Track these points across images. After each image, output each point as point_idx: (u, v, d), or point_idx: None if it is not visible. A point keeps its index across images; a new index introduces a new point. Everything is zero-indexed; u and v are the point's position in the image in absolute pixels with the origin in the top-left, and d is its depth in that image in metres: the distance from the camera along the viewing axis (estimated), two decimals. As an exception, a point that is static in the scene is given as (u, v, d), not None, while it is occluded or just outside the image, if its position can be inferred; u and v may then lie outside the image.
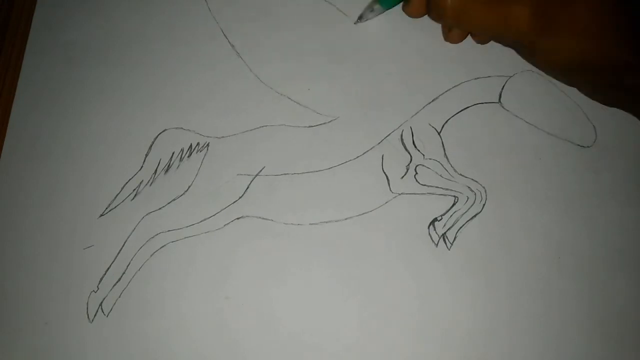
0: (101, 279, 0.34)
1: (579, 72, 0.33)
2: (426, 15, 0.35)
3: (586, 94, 0.36)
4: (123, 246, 0.35)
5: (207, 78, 0.39)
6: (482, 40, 0.37)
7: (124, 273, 0.34)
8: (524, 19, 0.31)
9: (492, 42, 0.37)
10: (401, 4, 0.37)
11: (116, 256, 0.35)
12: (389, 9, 0.38)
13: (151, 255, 0.35)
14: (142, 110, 0.38)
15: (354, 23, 0.39)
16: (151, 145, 0.37)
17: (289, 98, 0.38)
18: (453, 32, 0.37)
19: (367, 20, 0.39)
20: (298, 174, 0.37)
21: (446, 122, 0.37)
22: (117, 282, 0.34)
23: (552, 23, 0.31)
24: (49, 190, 0.36)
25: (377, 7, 0.37)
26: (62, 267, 0.35)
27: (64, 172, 0.37)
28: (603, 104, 0.36)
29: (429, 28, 0.38)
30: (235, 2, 0.41)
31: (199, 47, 0.40)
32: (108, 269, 0.34)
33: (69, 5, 0.41)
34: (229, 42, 0.40)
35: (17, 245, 0.35)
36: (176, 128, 0.38)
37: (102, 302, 0.34)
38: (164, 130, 0.38)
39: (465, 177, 0.36)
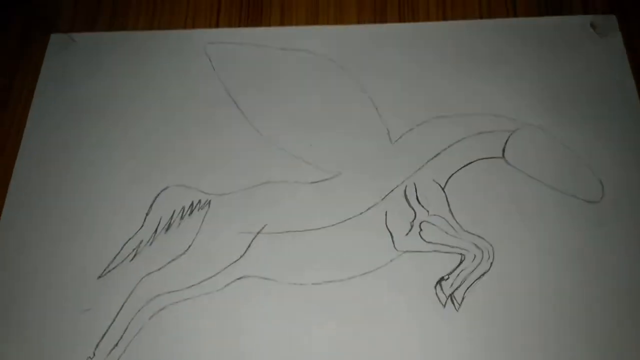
0: (97, 345, 0.33)
1: None
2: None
3: None
4: (121, 309, 0.34)
5: (210, 135, 0.39)
6: None
7: (121, 338, 0.33)
8: None
9: (493, 96, 0.37)
10: None
11: (114, 319, 0.34)
12: None
13: (149, 318, 0.34)
14: (144, 168, 0.38)
15: None
16: (152, 204, 0.37)
17: (291, 154, 0.38)
18: None
19: None
20: (300, 231, 0.36)
21: (450, 177, 0.37)
22: (114, 348, 0.33)
23: None
24: (48, 250, 0.36)
25: None
26: (58, 331, 0.34)
27: (64, 231, 0.36)
28: None
29: (433, 84, 0.39)
30: (238, 61, 0.41)
31: (201, 104, 0.40)
32: (105, 333, 0.33)
33: (73, 64, 0.42)
34: (232, 100, 0.40)
35: (12, 308, 0.34)
36: (177, 185, 0.37)
37: (97, 369, 0.33)
38: (165, 188, 0.37)
39: (472, 234, 0.35)
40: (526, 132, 0.38)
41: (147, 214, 0.37)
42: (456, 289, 0.34)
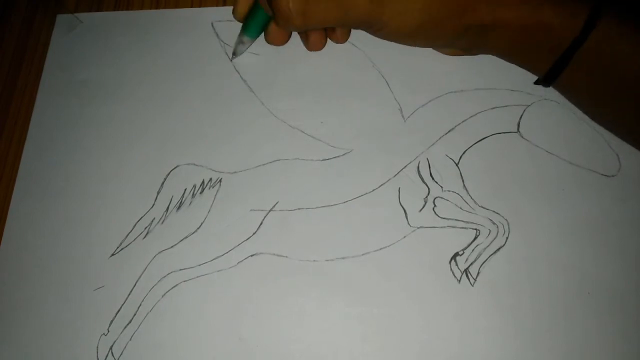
0: (112, 321, 0.33)
1: (428, 29, 0.33)
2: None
3: (448, 46, 0.36)
4: (134, 286, 0.34)
5: (220, 113, 0.39)
6: (340, 37, 0.37)
7: (135, 315, 0.33)
8: None
9: (510, 69, 0.36)
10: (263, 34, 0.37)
11: (127, 297, 0.34)
12: (257, 37, 0.38)
13: (163, 296, 0.34)
14: (154, 147, 0.38)
15: (231, 60, 0.40)
16: (163, 182, 0.37)
17: (302, 131, 0.38)
18: (312, 37, 0.37)
19: (241, 53, 0.39)
20: (313, 208, 0.36)
21: (464, 152, 0.36)
22: (127, 325, 0.33)
23: None
24: (60, 230, 0.36)
25: (245, 39, 0.38)
26: (71, 309, 0.34)
27: (75, 211, 0.36)
28: (468, 54, 0.36)
29: (445, 59, 0.38)
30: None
31: (210, 82, 0.40)
32: (119, 310, 0.33)
33: (81, 44, 0.42)
34: (241, 77, 0.40)
35: (25, 287, 0.34)
36: (188, 164, 0.37)
37: (112, 346, 0.33)
38: (176, 167, 0.37)
39: (487, 209, 0.35)
40: (541, 106, 0.37)
41: (158, 193, 0.36)
42: (471, 264, 0.34)
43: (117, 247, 0.35)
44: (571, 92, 0.35)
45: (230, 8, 0.37)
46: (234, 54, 0.39)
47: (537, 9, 0.30)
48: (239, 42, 0.38)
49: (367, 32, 0.35)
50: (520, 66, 0.35)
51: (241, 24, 0.37)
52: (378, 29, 0.33)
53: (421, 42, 0.35)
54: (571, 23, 0.30)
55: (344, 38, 0.38)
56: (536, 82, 0.35)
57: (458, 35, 0.33)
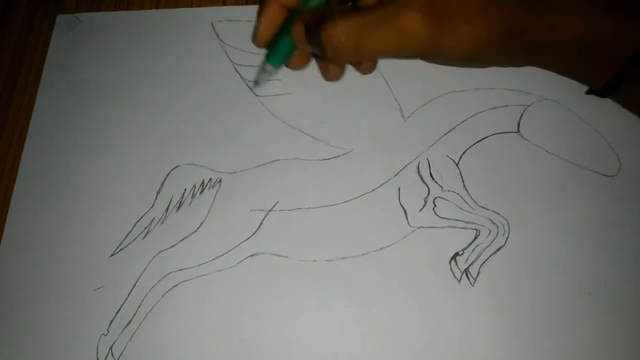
0: (111, 322, 0.33)
1: (489, 52, 0.32)
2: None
3: (503, 65, 0.35)
4: (134, 287, 0.34)
5: (220, 113, 0.39)
6: (369, 69, 0.36)
7: (134, 315, 0.33)
8: (418, 24, 0.29)
9: (507, 70, 0.36)
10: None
11: (127, 297, 0.34)
12: (280, 65, 0.35)
13: (162, 296, 0.34)
14: (154, 147, 0.38)
15: (252, 90, 0.38)
16: (163, 182, 0.37)
17: (302, 131, 0.38)
18: (334, 68, 0.35)
19: (264, 82, 0.36)
20: (313, 208, 0.36)
21: (464, 153, 0.36)
22: (127, 325, 0.33)
23: (444, 16, 0.29)
24: (60, 230, 0.36)
25: (269, 67, 0.35)
26: (71, 309, 0.34)
27: (75, 211, 0.36)
28: (518, 66, 0.35)
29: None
30: (248, 39, 0.41)
31: (211, 83, 0.40)
32: (118, 310, 0.33)
33: (81, 44, 0.42)
34: (242, 77, 0.40)
35: (25, 287, 0.34)
36: (188, 164, 0.37)
37: (112, 346, 0.33)
38: (176, 167, 0.37)
39: (487, 209, 0.35)
40: (541, 106, 0.37)
41: (158, 193, 0.36)
42: (471, 264, 0.33)
43: (117, 247, 0.35)
44: (630, 103, 0.34)
45: (231, 8, 0.37)
46: (256, 83, 0.37)
47: (598, 25, 0.30)
48: (262, 70, 0.35)
49: (422, 59, 0.33)
50: (573, 79, 0.35)
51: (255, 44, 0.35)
52: (435, 57, 0.32)
53: (478, 64, 0.34)
54: (633, 36, 0.29)
55: (372, 69, 0.37)
56: (587, 93, 0.34)
57: (517, 55, 0.32)
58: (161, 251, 0.35)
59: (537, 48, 0.32)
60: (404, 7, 0.29)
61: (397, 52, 0.31)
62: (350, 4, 0.32)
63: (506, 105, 0.37)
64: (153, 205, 0.36)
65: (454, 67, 0.38)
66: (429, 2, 0.29)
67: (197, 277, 0.34)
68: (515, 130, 0.37)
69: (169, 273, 0.34)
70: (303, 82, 0.39)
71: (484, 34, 0.30)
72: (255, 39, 0.34)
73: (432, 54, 0.31)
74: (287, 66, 0.35)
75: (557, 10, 0.31)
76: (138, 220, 0.36)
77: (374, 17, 0.29)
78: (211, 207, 0.36)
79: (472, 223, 0.34)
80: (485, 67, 0.35)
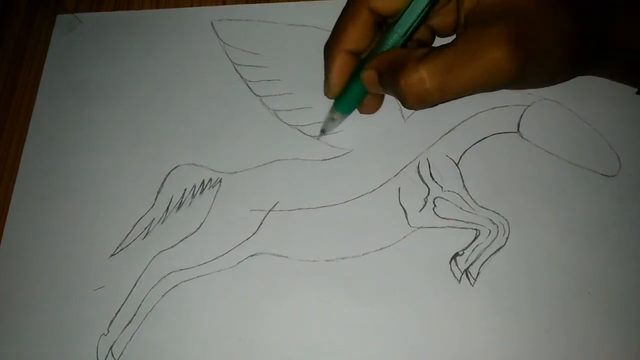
0: (111, 322, 0.33)
1: (569, 72, 0.32)
2: None
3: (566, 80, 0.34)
4: (134, 287, 0.34)
5: (220, 113, 0.39)
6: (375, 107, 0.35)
7: (135, 315, 0.33)
8: (509, 57, 0.27)
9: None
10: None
11: (127, 297, 0.34)
12: (350, 113, 0.35)
13: (162, 296, 0.34)
14: (154, 147, 0.38)
15: (317, 138, 0.37)
16: (163, 183, 0.37)
17: (302, 131, 0.38)
18: (372, 102, 0.34)
19: (331, 132, 0.36)
20: (313, 208, 0.36)
21: (464, 153, 0.36)
22: (127, 325, 0.33)
23: (533, 43, 0.28)
24: (60, 230, 0.36)
25: (337, 115, 0.35)
26: (71, 309, 0.34)
27: (75, 211, 0.36)
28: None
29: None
30: (248, 38, 0.41)
31: (210, 82, 0.40)
32: (118, 311, 0.33)
33: (81, 44, 0.42)
34: (242, 77, 0.40)
35: (25, 287, 0.34)
36: (188, 164, 0.37)
37: (112, 346, 0.33)
38: (176, 167, 0.37)
39: (487, 209, 0.35)
40: (541, 106, 0.37)
41: (158, 193, 0.36)
42: (471, 264, 0.33)
43: (117, 248, 0.35)
44: None
45: (231, 8, 0.37)
46: (323, 132, 0.36)
47: None
48: (330, 119, 0.34)
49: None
50: (625, 83, 0.34)
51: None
52: (518, 85, 0.30)
53: (554, 83, 0.33)
54: None
55: (378, 107, 0.36)
56: (638, 93, 0.34)
57: (589, 69, 0.32)
58: (161, 251, 0.35)
59: (601, 61, 0.31)
60: (493, 42, 0.27)
61: (485, 88, 0.29)
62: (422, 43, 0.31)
63: (506, 106, 0.37)
64: (153, 205, 0.36)
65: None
66: (518, 31, 0.27)
67: (197, 277, 0.34)
68: (515, 130, 0.37)
69: (169, 273, 0.34)
70: (303, 82, 0.39)
71: (566, 57, 0.28)
72: (328, 92, 0.33)
73: (518, 82, 0.29)
74: (360, 112, 0.35)
75: (628, 18, 0.29)
76: (138, 221, 0.36)
77: (459, 56, 0.27)
78: (211, 207, 0.36)
79: (472, 223, 0.34)
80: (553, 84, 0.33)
